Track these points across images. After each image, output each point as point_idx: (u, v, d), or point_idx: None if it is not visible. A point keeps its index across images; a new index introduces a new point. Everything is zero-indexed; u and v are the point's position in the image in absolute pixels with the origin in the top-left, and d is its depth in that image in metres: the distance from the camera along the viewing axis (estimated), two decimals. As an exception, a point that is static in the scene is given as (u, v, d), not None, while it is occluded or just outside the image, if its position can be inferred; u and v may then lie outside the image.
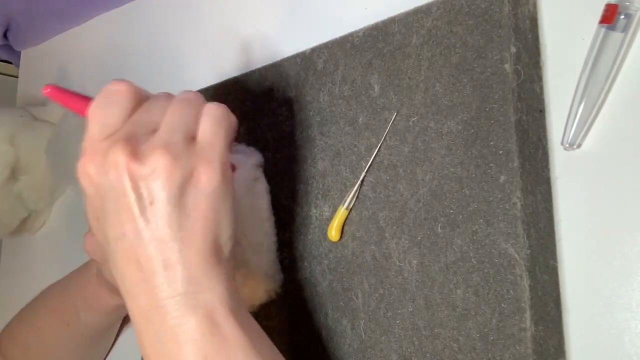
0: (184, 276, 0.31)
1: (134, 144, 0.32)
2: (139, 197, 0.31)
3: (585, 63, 0.35)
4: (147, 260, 0.31)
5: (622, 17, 0.34)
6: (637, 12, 0.34)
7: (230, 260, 0.34)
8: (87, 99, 0.35)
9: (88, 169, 0.32)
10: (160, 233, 0.31)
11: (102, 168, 0.32)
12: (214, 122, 0.34)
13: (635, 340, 0.33)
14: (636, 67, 0.35)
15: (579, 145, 0.35)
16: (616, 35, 0.34)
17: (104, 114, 0.33)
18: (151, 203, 0.31)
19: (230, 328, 0.31)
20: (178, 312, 0.31)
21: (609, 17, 0.34)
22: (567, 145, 0.35)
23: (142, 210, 0.31)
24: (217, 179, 0.32)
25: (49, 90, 0.35)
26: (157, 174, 0.31)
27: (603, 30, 0.34)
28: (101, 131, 0.33)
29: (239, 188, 0.44)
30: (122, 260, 0.32)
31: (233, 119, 0.35)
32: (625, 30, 0.34)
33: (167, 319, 0.31)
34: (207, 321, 0.31)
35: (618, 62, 0.34)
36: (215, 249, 0.33)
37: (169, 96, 0.35)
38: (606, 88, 0.35)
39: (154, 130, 0.33)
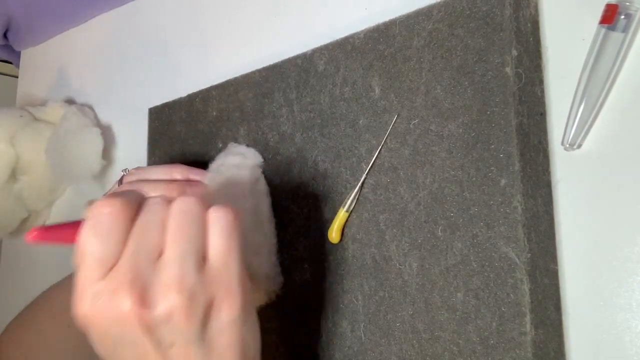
0: None
1: (141, 285, 0.28)
2: (156, 342, 0.28)
3: (586, 63, 0.35)
4: None
5: (622, 17, 0.34)
6: (637, 12, 0.34)
7: None
8: (74, 226, 0.31)
9: (90, 315, 0.29)
10: None
11: (108, 316, 0.28)
12: (225, 237, 0.30)
13: (635, 340, 0.33)
14: (636, 67, 0.35)
15: (579, 146, 0.35)
16: (616, 36, 0.34)
17: (97, 247, 0.29)
18: (171, 346, 0.29)
19: None
20: None
21: (609, 17, 0.34)
22: (568, 145, 0.35)
23: (162, 354, 0.29)
24: (239, 305, 0.30)
25: (34, 234, 0.31)
26: (174, 317, 0.28)
27: (603, 30, 0.34)
28: (98, 268, 0.28)
29: (240, 188, 0.44)
30: None
31: (241, 221, 0.31)
32: (625, 30, 0.34)
33: None
34: None
35: (618, 62, 0.34)
36: None
37: (164, 203, 0.31)
38: (606, 88, 0.35)
39: (157, 256, 0.29)
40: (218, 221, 0.30)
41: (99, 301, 0.28)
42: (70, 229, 0.31)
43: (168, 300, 0.28)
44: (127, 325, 0.28)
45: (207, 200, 0.31)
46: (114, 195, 0.30)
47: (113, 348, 0.29)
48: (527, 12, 0.36)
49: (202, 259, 0.30)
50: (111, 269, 0.29)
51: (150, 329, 0.28)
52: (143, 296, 0.28)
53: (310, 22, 0.51)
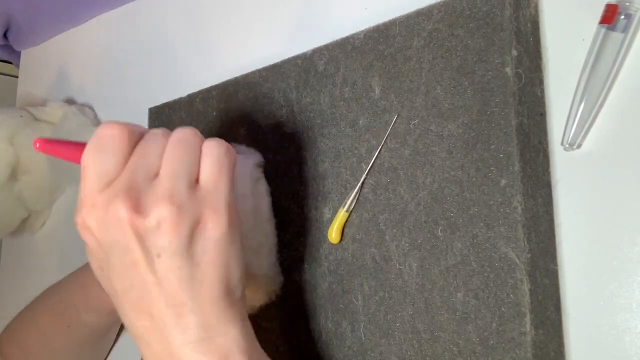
0: (197, 323, 0.31)
1: (135, 195, 0.30)
2: (146, 251, 0.30)
3: (586, 63, 0.35)
4: (158, 312, 0.31)
5: (622, 17, 0.34)
6: (637, 12, 0.34)
7: (243, 299, 0.34)
8: (80, 146, 0.33)
9: (88, 223, 0.31)
10: (170, 285, 0.31)
11: (103, 223, 0.31)
12: (216, 163, 0.33)
13: (635, 340, 0.33)
14: (636, 67, 0.35)
15: (579, 146, 0.35)
16: (616, 36, 0.34)
17: (99, 162, 0.31)
18: (158, 256, 0.31)
19: None
20: (193, 359, 0.31)
21: (609, 17, 0.34)
22: (567, 145, 0.35)
23: (150, 264, 0.31)
24: (224, 225, 0.32)
25: (38, 145, 0.33)
26: (163, 226, 0.30)
27: (603, 30, 0.34)
28: (98, 181, 0.31)
29: (241, 188, 0.44)
30: (131, 311, 0.32)
31: (233, 154, 0.34)
32: (625, 30, 0.34)
33: None
34: None
35: (618, 62, 0.34)
36: (227, 293, 0.32)
37: (164, 134, 0.34)
38: (606, 88, 0.35)
39: (154, 176, 0.32)
40: (211, 150, 0.33)
41: (97, 209, 0.31)
42: (76, 147, 0.33)
43: (158, 210, 0.30)
44: (120, 230, 0.30)
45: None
46: (119, 121, 0.33)
47: (105, 257, 0.32)
48: (527, 12, 0.36)
49: (194, 181, 0.32)
50: (110, 184, 0.31)
51: (140, 235, 0.30)
52: (136, 204, 0.30)
53: (310, 22, 0.51)
